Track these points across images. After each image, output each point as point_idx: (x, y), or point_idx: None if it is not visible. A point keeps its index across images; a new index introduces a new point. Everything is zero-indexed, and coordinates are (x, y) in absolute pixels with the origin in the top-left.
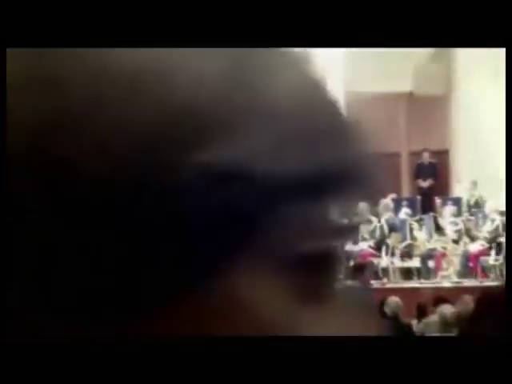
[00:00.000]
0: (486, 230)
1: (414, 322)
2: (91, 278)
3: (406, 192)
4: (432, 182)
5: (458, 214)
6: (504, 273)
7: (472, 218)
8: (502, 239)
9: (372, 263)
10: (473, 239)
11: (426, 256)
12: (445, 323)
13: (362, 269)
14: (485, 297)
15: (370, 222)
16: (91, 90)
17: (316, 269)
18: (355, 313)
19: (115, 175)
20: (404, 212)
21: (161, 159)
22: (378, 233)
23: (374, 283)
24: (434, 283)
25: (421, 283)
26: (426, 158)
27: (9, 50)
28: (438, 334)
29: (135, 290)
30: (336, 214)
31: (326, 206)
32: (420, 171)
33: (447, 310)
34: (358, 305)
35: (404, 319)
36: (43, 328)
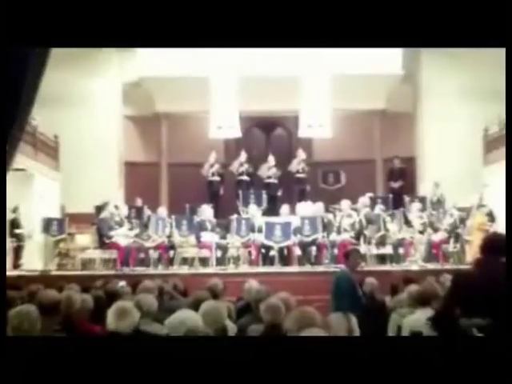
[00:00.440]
0: (446, 222)
1: (388, 299)
2: None
3: (380, 191)
4: (401, 183)
5: (423, 209)
6: (461, 258)
7: (434, 212)
8: (460, 230)
9: (358, 250)
10: (435, 230)
11: (397, 244)
12: (412, 299)
13: (348, 255)
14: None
15: (350, 216)
16: None
17: None
18: None
19: None
20: (379, 208)
21: None
22: (357, 225)
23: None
24: (403, 267)
25: (393, 267)
26: (397, 163)
27: None
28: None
29: None
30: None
31: None
32: (391, 174)
33: (414, 288)
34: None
35: (379, 296)
36: None
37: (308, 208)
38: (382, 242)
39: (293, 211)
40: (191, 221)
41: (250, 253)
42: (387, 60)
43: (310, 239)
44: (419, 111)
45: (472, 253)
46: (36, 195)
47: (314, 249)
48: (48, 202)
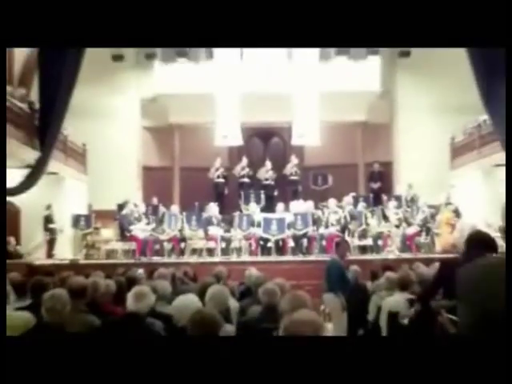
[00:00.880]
0: (418, 218)
1: (369, 283)
2: None
3: (362, 191)
4: (380, 184)
5: (399, 207)
6: (431, 248)
7: (408, 209)
8: (430, 224)
9: (346, 241)
10: (409, 225)
11: (376, 237)
12: (390, 284)
13: (338, 245)
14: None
15: (336, 212)
16: None
17: None
18: None
19: None
20: (361, 205)
21: None
22: (342, 221)
23: None
24: (382, 256)
25: (373, 256)
26: (376, 167)
27: None
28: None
29: None
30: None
31: None
32: (372, 177)
33: (391, 275)
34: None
35: (361, 281)
36: None
37: (300, 206)
38: (363, 235)
39: (287, 208)
40: (200, 217)
41: (250, 244)
42: (368, 78)
43: (301, 232)
44: (395, 123)
45: (440, 243)
46: (66, 195)
47: (305, 241)
48: (77, 201)
